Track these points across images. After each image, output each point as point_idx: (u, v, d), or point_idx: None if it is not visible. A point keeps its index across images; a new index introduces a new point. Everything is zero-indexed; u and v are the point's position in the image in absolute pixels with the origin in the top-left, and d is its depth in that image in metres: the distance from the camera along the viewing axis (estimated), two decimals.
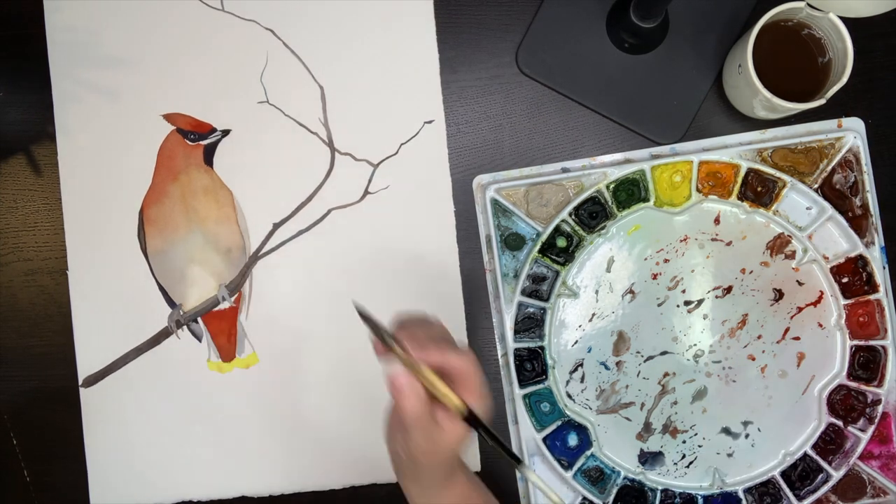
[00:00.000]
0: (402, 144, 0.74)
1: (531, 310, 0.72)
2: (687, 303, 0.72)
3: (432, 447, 0.45)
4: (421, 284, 0.73)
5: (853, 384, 0.71)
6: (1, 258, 0.75)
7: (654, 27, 0.70)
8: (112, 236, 0.74)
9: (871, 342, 0.71)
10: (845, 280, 0.71)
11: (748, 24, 0.72)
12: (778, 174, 0.70)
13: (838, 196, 0.71)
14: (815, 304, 0.72)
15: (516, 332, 0.72)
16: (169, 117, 0.74)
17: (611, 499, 0.71)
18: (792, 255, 0.72)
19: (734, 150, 0.71)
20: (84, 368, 0.74)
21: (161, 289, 0.74)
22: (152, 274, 0.74)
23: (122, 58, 0.74)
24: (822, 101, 0.66)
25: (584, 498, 0.71)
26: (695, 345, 0.72)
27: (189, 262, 0.74)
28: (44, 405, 0.74)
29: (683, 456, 0.72)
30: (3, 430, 0.74)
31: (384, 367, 0.47)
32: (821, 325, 0.72)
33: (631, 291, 0.72)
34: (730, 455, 0.72)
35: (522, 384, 0.71)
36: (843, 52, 0.66)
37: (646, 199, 0.71)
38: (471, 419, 0.45)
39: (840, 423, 0.71)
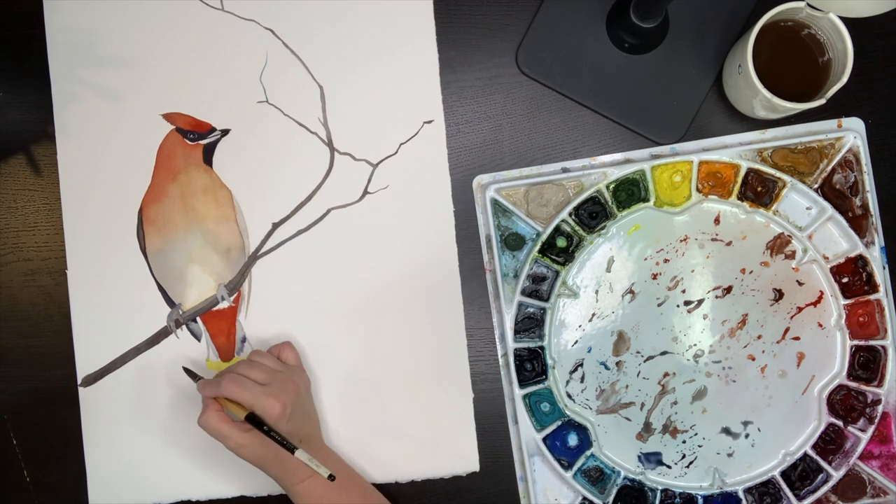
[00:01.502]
0: (401, 144, 0.74)
1: (531, 310, 0.72)
2: (687, 303, 0.72)
3: (233, 448, 0.65)
4: (420, 285, 0.73)
5: (853, 384, 0.71)
6: (1, 258, 0.75)
7: (654, 27, 0.70)
8: (111, 236, 0.74)
9: (871, 342, 0.71)
10: (845, 280, 0.71)
11: (748, 24, 0.72)
12: (778, 174, 0.70)
13: (838, 196, 0.71)
14: (815, 304, 0.72)
15: (516, 332, 0.72)
16: (168, 117, 0.74)
17: (611, 499, 0.71)
18: (792, 255, 0.72)
19: (734, 150, 0.71)
20: (83, 368, 0.74)
21: (160, 288, 0.74)
22: (151, 273, 0.74)
23: (122, 58, 0.74)
24: (822, 101, 0.66)
25: (584, 498, 0.71)
26: (695, 345, 0.72)
27: (188, 262, 0.74)
28: (43, 405, 0.74)
29: (683, 456, 0.72)
30: (3, 430, 0.74)
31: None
32: (821, 325, 0.72)
33: (631, 291, 0.72)
34: (730, 455, 0.72)
35: (522, 384, 0.71)
36: (843, 52, 0.66)
37: (646, 199, 0.71)
38: (249, 418, 0.64)
39: (840, 423, 0.71)
